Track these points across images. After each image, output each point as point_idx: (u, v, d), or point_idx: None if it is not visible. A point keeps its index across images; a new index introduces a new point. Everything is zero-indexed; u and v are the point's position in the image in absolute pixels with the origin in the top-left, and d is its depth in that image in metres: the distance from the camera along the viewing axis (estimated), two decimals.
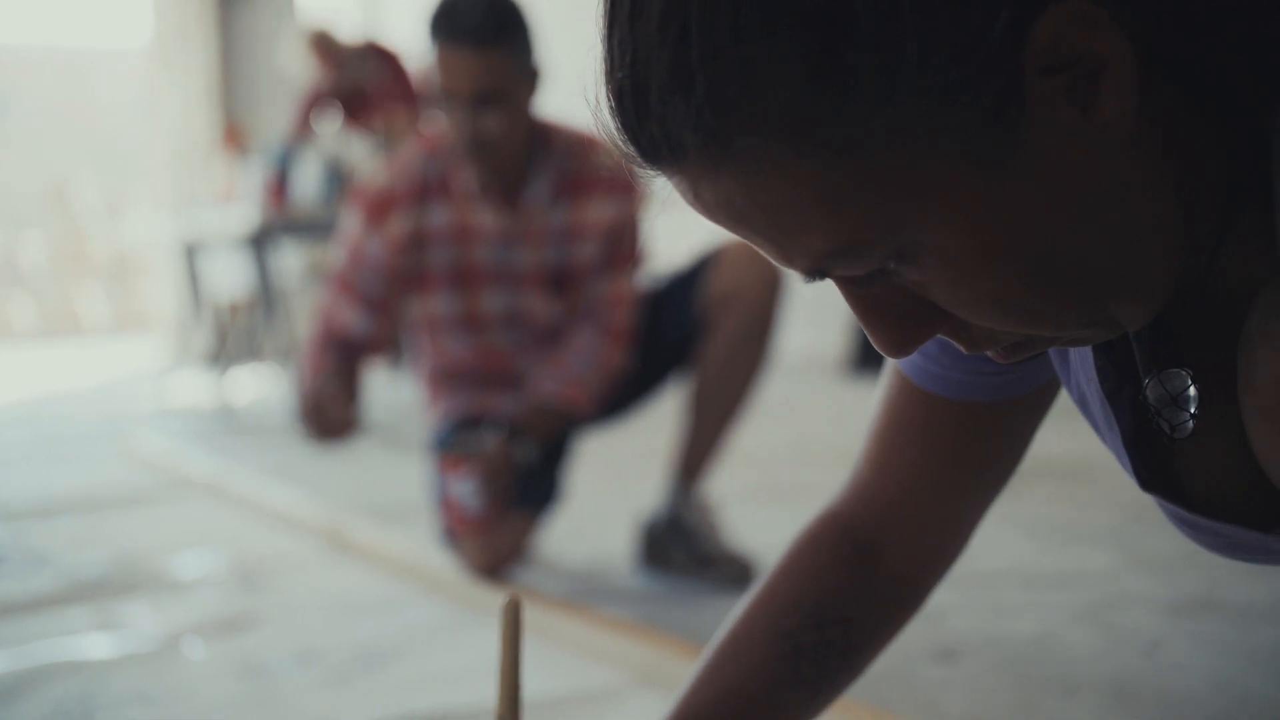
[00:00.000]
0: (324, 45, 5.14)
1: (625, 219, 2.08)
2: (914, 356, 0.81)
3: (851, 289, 0.60)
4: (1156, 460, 0.70)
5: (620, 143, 0.59)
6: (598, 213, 2.07)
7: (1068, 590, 1.93)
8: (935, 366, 0.80)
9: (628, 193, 2.08)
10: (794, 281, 2.11)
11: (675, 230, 5.57)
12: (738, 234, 0.59)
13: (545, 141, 2.07)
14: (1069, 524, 2.38)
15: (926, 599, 0.90)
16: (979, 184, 0.55)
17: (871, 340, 0.62)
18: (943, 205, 0.55)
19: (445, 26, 1.93)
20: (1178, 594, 1.86)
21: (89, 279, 11.52)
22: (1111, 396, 0.69)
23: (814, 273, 0.58)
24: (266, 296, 4.61)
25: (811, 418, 3.97)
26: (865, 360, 5.21)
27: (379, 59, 5.22)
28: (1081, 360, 0.71)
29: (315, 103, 5.11)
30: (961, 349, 0.63)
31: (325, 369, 2.00)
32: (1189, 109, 0.59)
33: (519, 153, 2.03)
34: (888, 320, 0.60)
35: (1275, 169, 0.58)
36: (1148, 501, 0.73)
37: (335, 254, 2.12)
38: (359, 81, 5.13)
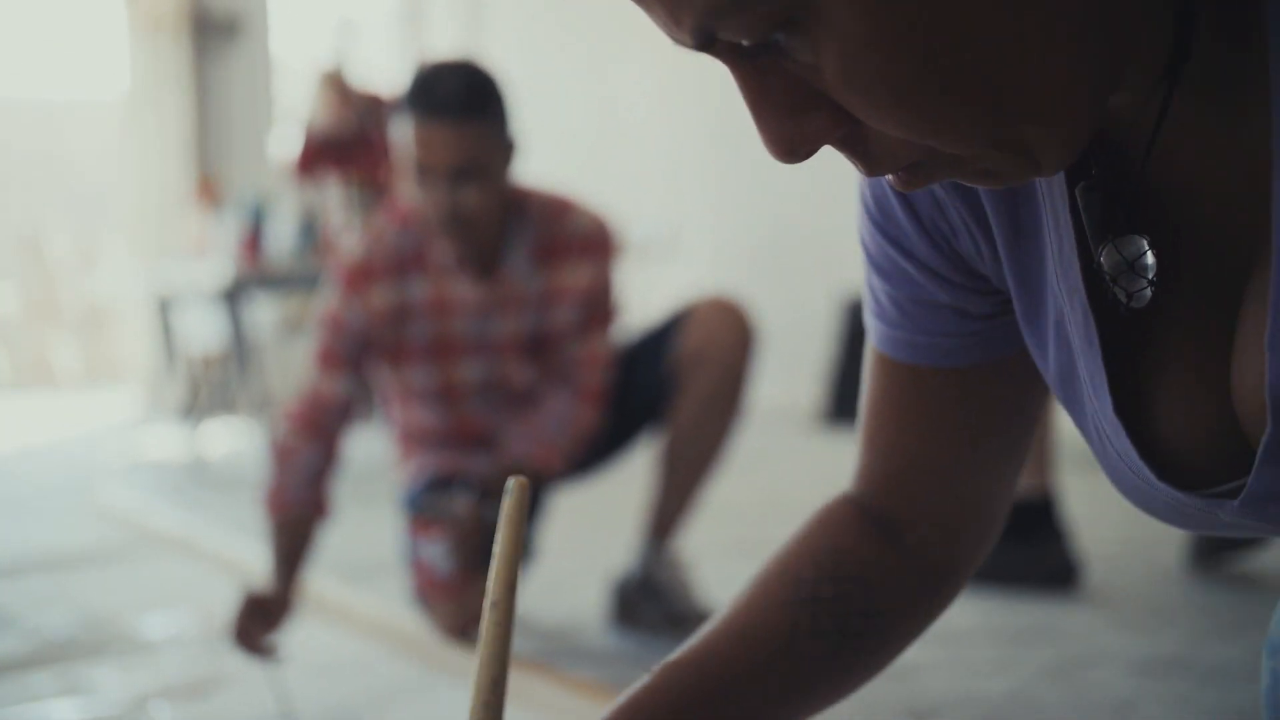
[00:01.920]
0: (339, 86, 5.19)
1: (600, 280, 2.08)
2: (879, 326, 0.79)
3: (740, 65, 0.56)
4: (1133, 384, 0.67)
5: None
6: (573, 277, 2.07)
7: (1041, 648, 1.93)
8: (898, 332, 0.78)
9: (602, 254, 2.07)
10: (767, 334, 2.13)
11: (648, 286, 5.59)
12: None
13: (520, 208, 2.06)
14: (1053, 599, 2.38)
15: (956, 590, 0.86)
16: None
17: (762, 138, 0.58)
18: None
19: (423, 101, 1.91)
20: (1151, 653, 1.86)
21: (61, 329, 11.45)
22: (1096, 305, 0.66)
23: (701, 35, 0.54)
24: (240, 350, 4.60)
25: (785, 471, 3.97)
26: (839, 412, 5.22)
27: (382, 109, 5.26)
28: (1064, 272, 0.67)
29: (320, 147, 5.13)
30: (860, 169, 0.58)
31: (274, 544, 1.94)
32: None
33: (496, 224, 2.02)
34: (778, 110, 0.56)
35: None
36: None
37: (313, 334, 2.08)
38: (364, 129, 5.15)
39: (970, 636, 2.00)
